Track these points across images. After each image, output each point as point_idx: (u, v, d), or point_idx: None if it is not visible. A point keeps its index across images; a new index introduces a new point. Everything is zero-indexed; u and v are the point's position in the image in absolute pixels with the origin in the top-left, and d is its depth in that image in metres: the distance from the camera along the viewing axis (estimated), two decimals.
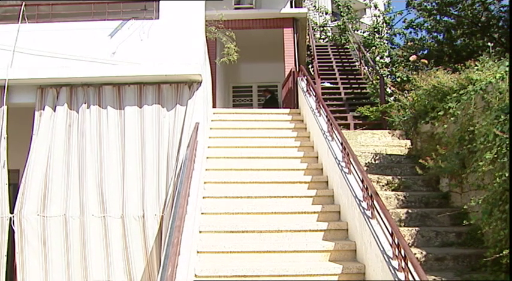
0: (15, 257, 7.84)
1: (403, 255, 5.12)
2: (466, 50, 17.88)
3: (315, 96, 10.79)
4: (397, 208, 7.99)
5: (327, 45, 21.92)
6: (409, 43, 20.49)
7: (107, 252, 7.87)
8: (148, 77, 8.50)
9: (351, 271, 6.41)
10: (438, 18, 19.66)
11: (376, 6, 22.61)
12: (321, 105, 9.95)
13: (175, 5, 8.75)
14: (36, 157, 8.16)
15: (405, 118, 10.23)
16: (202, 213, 7.69)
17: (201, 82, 8.73)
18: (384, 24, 21.85)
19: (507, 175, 5.63)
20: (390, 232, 5.56)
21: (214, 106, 13.40)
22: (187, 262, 5.61)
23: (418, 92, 9.37)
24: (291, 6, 16.10)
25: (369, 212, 6.40)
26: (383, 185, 8.64)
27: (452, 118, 7.80)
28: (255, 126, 11.13)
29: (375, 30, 21.18)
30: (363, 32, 22.48)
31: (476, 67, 8.04)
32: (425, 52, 19.73)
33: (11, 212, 7.97)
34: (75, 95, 8.60)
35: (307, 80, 12.12)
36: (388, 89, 14.95)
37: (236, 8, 15.42)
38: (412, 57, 16.70)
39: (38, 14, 8.85)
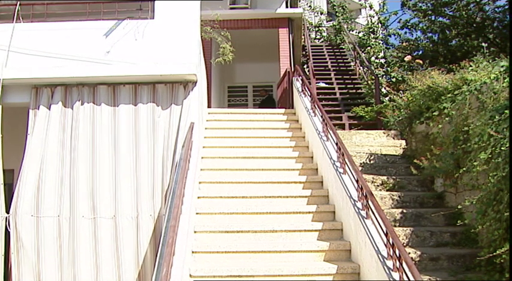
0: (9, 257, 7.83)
1: (398, 255, 5.13)
2: (461, 51, 17.91)
3: (310, 96, 10.81)
4: (392, 208, 8.01)
5: (322, 46, 21.96)
6: (404, 43, 20.51)
7: (97, 253, 7.82)
8: (144, 77, 8.48)
9: (346, 271, 6.42)
10: (433, 18, 19.69)
11: (371, 7, 22.62)
12: (316, 106, 9.97)
13: (171, 5, 8.74)
14: (31, 156, 8.13)
15: (400, 118, 10.26)
16: (197, 213, 7.69)
17: (196, 82, 8.72)
18: (379, 25, 21.86)
19: (502, 174, 5.65)
20: (385, 231, 5.56)
21: (209, 106, 13.40)
22: (182, 262, 5.60)
23: (413, 92, 9.39)
24: (286, 6, 16.14)
25: (363, 212, 6.41)
26: (378, 185, 8.65)
27: (447, 118, 7.82)
28: (250, 127, 11.14)
29: (370, 30, 21.19)
30: (358, 32, 22.50)
31: (470, 67, 8.06)
32: (420, 52, 19.77)
33: (7, 212, 7.95)
34: (69, 94, 8.58)
35: (302, 80, 12.14)
36: (383, 89, 14.98)
37: (231, 8, 15.44)
38: (407, 58, 16.74)
39: (32, 14, 8.83)
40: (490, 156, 5.99)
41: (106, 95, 8.57)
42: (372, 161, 9.61)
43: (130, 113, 8.49)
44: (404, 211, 7.71)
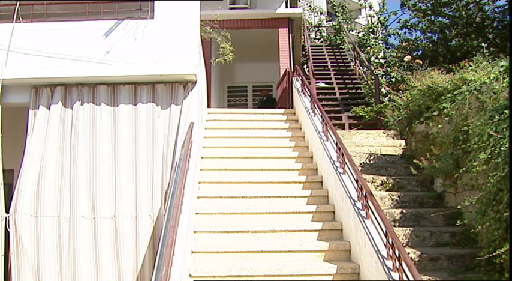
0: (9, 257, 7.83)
1: (397, 255, 5.13)
2: (461, 51, 17.89)
3: (310, 96, 10.81)
4: (392, 208, 8.01)
5: (322, 46, 21.97)
6: (403, 43, 20.51)
7: (97, 253, 7.82)
8: (143, 77, 8.48)
9: (346, 271, 6.42)
10: (433, 18, 19.68)
11: (371, 7, 22.65)
12: (316, 106, 9.97)
13: (170, 5, 8.74)
14: (30, 156, 8.13)
15: (400, 118, 10.25)
16: (196, 213, 7.69)
17: (195, 82, 8.72)
18: (379, 25, 21.87)
19: (501, 174, 5.65)
20: (384, 231, 5.57)
21: (209, 106, 13.40)
22: (181, 262, 5.60)
23: (412, 92, 9.39)
24: (286, 6, 16.15)
25: (363, 212, 6.41)
26: (377, 185, 8.65)
27: (446, 118, 7.82)
28: (250, 126, 11.14)
29: (370, 30, 21.20)
30: (358, 32, 22.52)
31: (470, 68, 8.06)
32: (420, 52, 19.76)
33: (7, 212, 7.95)
34: (69, 94, 8.57)
35: (301, 80, 12.14)
36: (382, 89, 14.98)
37: (231, 8, 15.45)
38: (407, 58, 16.73)
39: (32, 14, 8.82)
40: (489, 156, 5.99)
41: (106, 95, 8.57)
42: (371, 161, 9.62)
43: (130, 113, 8.49)
44: (404, 211, 7.71)
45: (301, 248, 6.92)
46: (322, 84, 16.44)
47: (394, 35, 21.26)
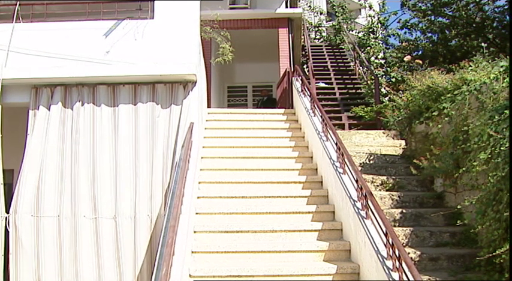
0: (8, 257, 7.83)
1: (397, 255, 5.13)
2: (461, 51, 17.92)
3: (310, 96, 10.81)
4: (392, 208, 8.01)
5: (321, 46, 21.97)
6: (403, 44, 20.52)
7: (99, 253, 7.82)
8: (143, 76, 8.48)
9: (346, 271, 6.42)
10: (433, 18, 19.70)
11: (370, 7, 22.66)
12: (316, 106, 9.97)
13: (170, 5, 8.74)
14: (30, 156, 8.13)
15: (400, 118, 10.24)
16: (196, 213, 7.69)
17: (195, 82, 8.72)
18: (379, 25, 21.88)
19: (501, 174, 5.65)
20: (384, 232, 5.56)
21: (209, 106, 13.40)
22: (181, 262, 5.60)
23: (412, 92, 9.38)
24: (286, 6, 16.16)
25: (363, 212, 6.40)
26: (377, 185, 8.65)
27: (446, 118, 7.82)
28: (250, 127, 11.14)
29: (370, 30, 21.21)
30: (358, 32, 22.53)
31: (470, 68, 8.06)
32: (420, 52, 19.77)
33: (7, 212, 7.95)
34: (69, 94, 8.57)
35: (301, 80, 12.14)
36: (382, 90, 14.98)
37: (231, 8, 15.46)
38: (407, 58, 16.74)
39: (32, 14, 8.82)
40: (489, 156, 5.99)
41: (106, 95, 8.56)
42: (371, 161, 9.61)
43: (130, 113, 8.48)
44: (404, 211, 7.71)
45: (301, 248, 6.92)
46: (322, 84, 16.44)
47: (394, 35, 21.27)
